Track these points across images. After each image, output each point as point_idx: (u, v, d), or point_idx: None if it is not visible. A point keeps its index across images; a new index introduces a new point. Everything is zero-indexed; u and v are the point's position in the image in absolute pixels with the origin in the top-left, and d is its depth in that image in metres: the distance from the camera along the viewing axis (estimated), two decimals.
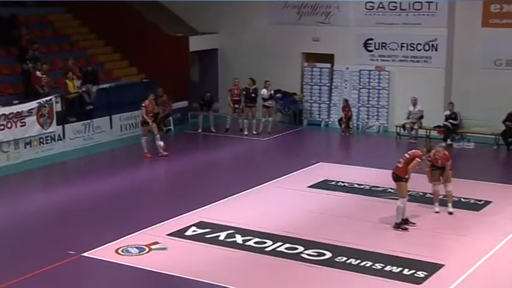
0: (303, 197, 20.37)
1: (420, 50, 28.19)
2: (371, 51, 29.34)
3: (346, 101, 29.09)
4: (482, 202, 19.57)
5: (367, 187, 21.01)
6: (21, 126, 24.39)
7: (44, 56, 27.92)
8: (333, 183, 21.51)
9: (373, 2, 28.85)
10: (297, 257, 15.76)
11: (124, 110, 27.90)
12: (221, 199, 19.88)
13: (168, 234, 17.12)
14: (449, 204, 18.57)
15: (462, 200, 19.53)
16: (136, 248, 16.28)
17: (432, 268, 15.05)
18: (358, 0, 29.11)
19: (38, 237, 17.40)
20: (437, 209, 18.66)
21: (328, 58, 30.34)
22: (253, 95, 28.53)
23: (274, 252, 16.02)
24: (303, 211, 18.98)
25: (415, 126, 27.18)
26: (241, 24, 31.90)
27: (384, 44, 28.95)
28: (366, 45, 29.37)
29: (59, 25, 31.55)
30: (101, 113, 27.40)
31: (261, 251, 16.13)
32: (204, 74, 32.98)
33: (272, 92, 28.87)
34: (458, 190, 19.19)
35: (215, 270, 15.10)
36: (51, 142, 25.56)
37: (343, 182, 21.49)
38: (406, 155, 17.70)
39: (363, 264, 15.32)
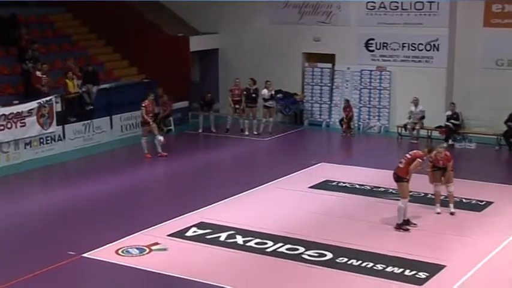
0: (304, 197, 20.32)
1: (421, 50, 28.15)
2: (372, 51, 29.29)
3: (347, 101, 29.04)
4: (484, 203, 19.53)
5: (368, 188, 20.97)
6: (21, 126, 24.35)
7: (44, 56, 27.87)
8: (334, 183, 21.47)
9: (374, 2, 28.83)
10: (298, 257, 15.72)
11: (124, 110, 27.85)
12: (222, 200, 19.85)
13: (169, 235, 17.09)
14: (451, 205, 18.55)
15: (464, 200, 19.49)
16: (137, 248, 16.24)
17: (434, 269, 15.02)
18: (360, 0, 29.07)
19: (38, 237, 17.37)
20: (438, 210, 18.62)
21: (329, 58, 30.29)
22: (254, 95, 28.48)
23: (275, 253, 15.98)
24: (303, 212, 18.94)
25: (417, 127, 27.11)
26: (242, 24, 31.86)
27: (385, 44, 28.91)
28: (367, 45, 29.32)
29: (59, 25, 31.52)
30: (101, 113, 27.36)
31: (262, 251, 16.10)
32: (205, 74, 32.94)
33: (273, 92, 28.83)
34: (459, 190, 19.15)
35: (216, 271, 15.07)
36: (51, 142, 25.51)
37: (344, 183, 21.45)
38: (407, 155, 17.68)
39: (364, 265, 15.28)
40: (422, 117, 27.22)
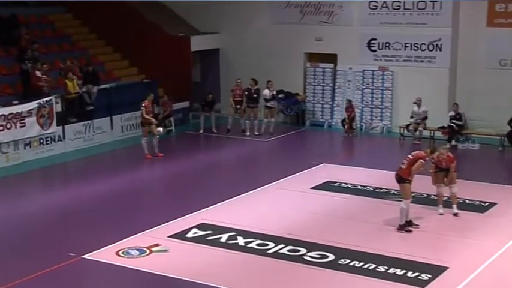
0: (306, 198, 20.26)
1: (424, 50, 28.08)
2: (374, 51, 29.21)
3: (349, 101, 28.96)
4: (487, 204, 19.46)
5: (371, 188, 20.92)
6: (21, 126, 24.30)
7: (44, 56, 27.85)
8: (336, 184, 21.41)
9: (376, 2, 28.78)
10: (300, 259, 15.68)
11: (125, 111, 27.79)
12: (223, 201, 19.80)
13: (169, 236, 17.05)
14: (454, 206, 18.47)
15: (467, 201, 19.43)
16: (137, 250, 16.21)
17: (436, 271, 14.97)
18: (362, 0, 28.95)
19: (38, 238, 17.34)
20: (441, 211, 18.55)
21: (331, 58, 30.23)
22: (255, 95, 28.40)
23: (277, 255, 15.94)
24: (305, 213, 18.88)
25: (420, 127, 26.99)
26: (243, 23, 31.83)
27: (387, 44, 28.83)
28: (369, 45, 29.24)
29: (59, 25, 31.52)
30: (102, 113, 27.33)
31: (263, 253, 16.04)
32: (206, 74, 32.87)
33: (274, 92, 28.74)
34: (462, 191, 19.08)
35: (217, 273, 15.02)
36: (51, 143, 25.46)
37: (346, 184, 21.40)
38: (409, 156, 17.65)
39: (366, 266, 15.24)
40: (425, 118, 27.10)
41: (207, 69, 32.92)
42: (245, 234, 17.09)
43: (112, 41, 32.11)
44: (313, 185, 21.27)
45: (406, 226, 17.37)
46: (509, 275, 15.17)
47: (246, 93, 28.41)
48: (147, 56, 31.17)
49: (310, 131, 30.03)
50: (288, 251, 16.09)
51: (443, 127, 26.92)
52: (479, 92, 27.22)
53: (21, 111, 24.35)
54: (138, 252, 16.05)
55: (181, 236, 17.08)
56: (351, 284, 14.57)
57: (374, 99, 29.45)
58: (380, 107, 29.31)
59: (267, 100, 28.46)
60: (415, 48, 28.24)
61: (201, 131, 28.84)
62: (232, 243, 16.57)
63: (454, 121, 26.50)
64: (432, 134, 27.23)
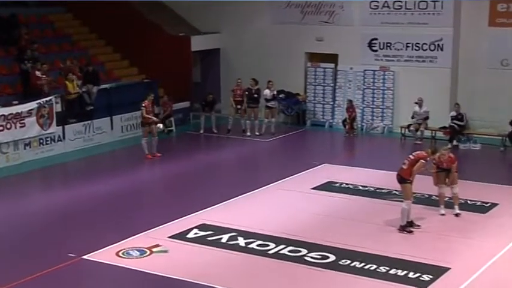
0: (307, 199, 20.22)
1: (426, 49, 28.03)
2: (375, 51, 29.17)
3: (350, 101, 28.93)
4: (489, 204, 19.42)
5: (372, 189, 20.87)
6: (21, 127, 24.27)
7: (44, 56, 27.83)
8: (337, 185, 21.37)
9: (377, 1, 28.73)
10: (301, 260, 15.65)
11: (125, 111, 27.75)
12: (223, 201, 19.76)
13: (170, 237, 17.02)
14: (456, 206, 18.44)
15: (468, 202, 19.38)
16: (137, 250, 16.17)
17: (438, 271, 14.94)
18: (363, 0, 28.88)
19: (38, 239, 17.31)
20: (442, 211, 18.51)
21: (332, 58, 30.20)
22: (255, 95, 28.34)
23: (277, 255, 15.91)
24: (306, 213, 18.83)
25: (421, 127, 26.93)
26: (244, 23, 31.79)
27: (388, 44, 28.79)
28: (370, 45, 29.20)
29: (59, 25, 31.52)
30: (102, 113, 27.30)
31: (264, 253, 16.01)
32: (206, 74, 32.82)
33: (275, 92, 28.70)
34: (464, 192, 19.03)
35: (217, 273, 14.99)
36: (51, 143, 25.43)
37: (347, 184, 21.37)
38: (410, 156, 17.61)
39: (367, 267, 15.20)
40: (427, 118, 27.04)
41: (207, 69, 32.88)
42: (246, 234, 17.05)
43: (112, 41, 32.10)
44: (314, 186, 21.23)
45: (407, 227, 17.32)
46: (511, 275, 15.10)
47: (247, 93, 28.35)
48: (147, 56, 31.14)
49: (311, 131, 29.98)
50: (289, 251, 16.05)
51: (444, 127, 26.86)
52: (481, 92, 27.18)
53: (21, 112, 24.31)
54: (138, 253, 16.01)
55: (181, 236, 17.04)
56: (352, 284, 14.52)
57: (375, 99, 29.41)
58: (381, 107, 29.26)
59: (267, 100, 28.41)
60: (417, 48, 28.19)
61: (202, 131, 28.78)
62: (233, 244, 16.53)
63: (455, 121, 26.43)
64: (433, 134, 27.17)
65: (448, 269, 15.06)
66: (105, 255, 15.88)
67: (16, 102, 24.82)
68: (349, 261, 15.42)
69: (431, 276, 14.65)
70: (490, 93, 26.93)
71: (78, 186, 21.72)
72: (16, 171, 23.40)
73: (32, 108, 24.58)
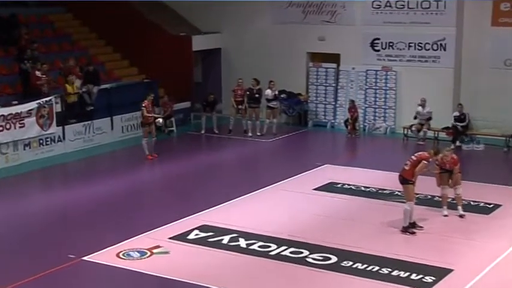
0: (308, 199, 20.17)
1: (428, 49, 27.95)
2: (378, 50, 29.10)
3: (352, 101, 28.86)
4: (492, 205, 19.37)
5: (374, 190, 20.82)
6: (21, 127, 24.22)
7: (44, 55, 27.79)
8: (338, 185, 21.33)
9: (380, 1, 28.68)
10: (302, 261, 15.61)
11: (125, 111, 27.68)
12: (224, 202, 19.73)
13: (170, 238, 16.99)
14: (459, 207, 18.39)
15: (471, 203, 19.31)
16: (138, 251, 16.15)
17: (440, 273, 14.89)
18: None
19: (38, 240, 17.29)
20: (445, 212, 18.45)
21: (334, 58, 30.15)
22: (257, 95, 28.28)
23: (279, 257, 15.87)
24: (308, 214, 18.79)
25: (424, 128, 26.84)
26: (245, 23, 31.75)
27: (391, 44, 28.72)
28: (372, 44, 29.14)
29: (59, 25, 31.50)
30: (102, 114, 27.24)
31: (265, 255, 15.98)
32: (207, 74, 32.77)
33: (276, 92, 28.63)
34: (467, 193, 18.97)
35: (218, 275, 14.97)
36: (51, 143, 25.37)
37: (349, 185, 21.33)
38: (412, 157, 17.55)
39: (369, 268, 15.16)
40: (429, 118, 26.95)
41: (208, 69, 32.82)
42: (247, 235, 17.00)
43: (112, 40, 32.07)
44: (316, 186, 21.17)
45: (410, 228, 17.27)
46: None
47: (248, 93, 28.29)
48: (147, 56, 31.10)
49: (313, 131, 29.94)
50: (290, 252, 16.01)
51: (447, 128, 26.78)
52: (484, 92, 27.10)
53: (21, 112, 24.26)
54: (138, 254, 15.97)
55: (182, 237, 17.00)
56: (354, 286, 14.47)
57: (377, 99, 29.35)
58: (383, 107, 29.20)
59: (269, 100, 28.34)
60: (419, 48, 28.11)
61: (203, 132, 28.72)
62: (234, 245, 16.49)
63: (456, 123, 26.33)
64: (436, 135, 27.10)
65: (451, 270, 15.00)
66: (105, 257, 15.84)
67: (16, 102, 24.76)
68: (351, 263, 15.37)
69: (434, 278, 14.60)
70: (493, 94, 26.85)
71: (78, 187, 21.69)
72: (16, 172, 23.35)
73: (31, 108, 24.52)
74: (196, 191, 21.14)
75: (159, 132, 26.33)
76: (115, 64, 31.37)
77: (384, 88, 29.13)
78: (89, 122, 26.62)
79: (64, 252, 15.96)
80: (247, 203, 19.86)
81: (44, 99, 24.97)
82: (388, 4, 28.49)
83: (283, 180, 21.83)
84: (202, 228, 17.51)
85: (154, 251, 16.14)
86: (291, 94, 30.36)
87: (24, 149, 24.44)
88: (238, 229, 17.41)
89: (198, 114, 29.94)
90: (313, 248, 16.15)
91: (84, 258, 15.74)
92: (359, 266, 15.23)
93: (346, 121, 28.99)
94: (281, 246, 16.29)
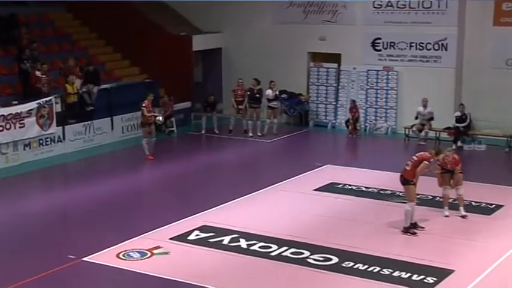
0: (309, 200, 20.13)
1: (430, 49, 27.94)
2: (379, 50, 29.09)
3: (353, 101, 28.82)
4: (494, 206, 19.33)
5: (375, 190, 20.77)
6: (20, 127, 24.17)
7: (44, 55, 27.74)
8: (339, 186, 21.29)
9: (381, 0, 28.69)
10: (303, 262, 15.57)
11: (125, 111, 27.63)
12: (225, 202, 19.68)
13: (171, 239, 16.94)
14: (461, 208, 18.34)
15: (473, 203, 19.27)
16: (138, 252, 16.11)
17: (442, 274, 14.85)
18: None
19: (38, 241, 17.24)
20: (447, 213, 18.41)
21: (335, 58, 30.13)
22: (257, 95, 28.24)
23: (280, 257, 15.83)
24: (308, 215, 18.74)
25: (425, 128, 26.78)
26: (246, 23, 31.74)
27: (392, 44, 28.71)
28: (373, 44, 29.13)
29: (59, 24, 31.47)
30: (102, 114, 27.20)
31: (266, 255, 15.93)
32: (208, 74, 32.74)
33: (277, 92, 28.62)
34: (468, 193, 18.92)
35: (219, 275, 14.94)
36: (50, 144, 25.32)
37: (350, 185, 21.29)
38: (414, 157, 17.51)
39: (370, 269, 15.12)
40: (431, 119, 26.90)
41: (209, 69, 32.79)
42: (247, 236, 16.95)
43: (112, 40, 32.04)
44: (317, 187, 21.13)
45: (411, 228, 17.22)
46: None
47: (248, 93, 28.26)
48: (148, 56, 31.06)
49: (314, 131, 29.92)
50: (291, 253, 15.96)
51: (449, 128, 26.72)
52: (486, 92, 27.08)
53: (21, 112, 24.20)
54: (139, 255, 15.93)
55: (182, 238, 16.95)
56: (354, 287, 14.44)
57: (378, 99, 29.32)
58: (384, 107, 29.17)
59: (269, 100, 28.31)
60: (420, 48, 28.10)
61: (203, 132, 28.69)
62: (235, 246, 16.44)
63: (457, 124, 26.28)
64: (438, 135, 27.05)
65: (452, 271, 14.96)
66: (105, 257, 15.80)
67: (15, 102, 24.71)
68: (352, 263, 15.33)
69: (435, 279, 14.55)
70: (494, 94, 26.81)
71: (78, 187, 21.64)
72: (15, 172, 23.30)
73: (31, 108, 24.47)
74: (197, 192, 21.08)
75: (159, 133, 26.29)
76: (115, 64, 31.32)
77: (385, 88, 29.10)
78: (89, 122, 26.56)
79: (64, 253, 15.91)
80: (248, 204, 19.81)
81: (44, 99, 24.92)
82: (389, 4, 28.49)
83: (283, 180, 21.78)
84: (202, 229, 17.46)
85: (155, 251, 16.09)
86: (292, 94, 30.35)
87: (24, 149, 24.38)
88: (238, 230, 17.35)
89: (199, 114, 29.89)
90: (314, 249, 16.09)
91: (84, 258, 15.68)
92: (360, 266, 15.18)
93: (347, 121, 28.95)
94: (282, 247, 16.23)
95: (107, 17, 31.30)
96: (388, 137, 28.71)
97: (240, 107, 28.34)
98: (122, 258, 15.72)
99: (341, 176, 22.20)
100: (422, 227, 17.39)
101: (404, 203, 17.53)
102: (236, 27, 31.89)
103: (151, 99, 25.27)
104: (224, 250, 16.21)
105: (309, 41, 30.32)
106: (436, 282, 14.39)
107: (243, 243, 16.58)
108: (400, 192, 18.77)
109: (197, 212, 18.67)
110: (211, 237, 16.92)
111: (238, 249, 16.24)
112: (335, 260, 15.54)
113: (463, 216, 18.18)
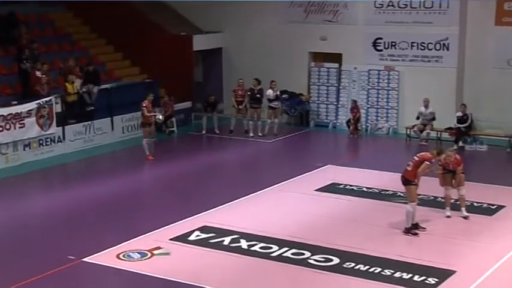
0: (310, 200, 20.10)
1: (431, 49, 27.94)
2: (380, 50, 29.08)
3: (354, 101, 28.78)
4: (495, 206, 19.29)
5: (376, 191, 20.75)
6: (20, 127, 24.13)
7: (44, 55, 27.70)
8: (341, 186, 21.26)
9: (382, 0, 28.68)
10: (304, 262, 15.55)
11: (126, 111, 27.60)
12: (225, 203, 19.65)
13: (171, 239, 16.92)
14: (463, 209, 18.30)
15: (474, 204, 19.24)
16: (138, 253, 16.09)
17: (443, 274, 14.83)
18: None
19: (38, 241, 17.21)
20: (448, 214, 18.37)
21: (336, 57, 30.09)
22: (258, 95, 28.20)
23: (280, 258, 15.80)
24: (309, 215, 18.70)
25: (427, 128, 26.72)
26: (246, 23, 31.70)
27: (393, 43, 28.70)
28: (375, 44, 29.11)
29: (60, 24, 31.42)
30: (102, 114, 27.16)
31: (267, 256, 15.91)
32: (208, 74, 32.73)
33: (278, 92, 28.60)
34: (470, 194, 18.87)
35: (219, 276, 14.95)
36: (50, 144, 25.28)
37: (351, 186, 21.25)
38: (415, 157, 17.48)
39: (371, 270, 15.10)
40: (433, 119, 26.85)
41: (209, 68, 32.77)
42: (248, 237, 16.93)
43: (113, 40, 32.00)
44: (318, 187, 21.09)
45: (413, 229, 17.19)
46: None
47: (249, 93, 28.23)
48: (148, 56, 31.02)
49: (315, 132, 29.88)
50: (292, 254, 15.93)
51: (450, 128, 26.67)
52: (487, 93, 27.04)
53: (21, 112, 24.17)
54: (139, 255, 15.91)
55: (183, 238, 16.93)
56: None
57: (380, 99, 29.28)
58: (386, 107, 29.14)
59: (270, 100, 28.27)
60: (422, 48, 28.08)
61: (204, 132, 28.65)
62: (235, 246, 16.42)
63: (458, 124, 26.23)
64: (439, 135, 27.00)
65: (454, 272, 14.93)
66: (105, 258, 15.78)
67: (15, 102, 24.66)
68: (353, 264, 15.31)
69: (436, 280, 14.54)
70: (496, 94, 26.77)
71: (78, 187, 21.61)
72: (15, 173, 23.27)
73: (31, 108, 24.43)
74: (197, 192, 21.06)
75: (159, 133, 26.25)
76: (115, 64, 31.28)
77: (386, 88, 29.07)
78: (89, 122, 26.53)
79: (64, 253, 15.89)
80: (249, 204, 19.78)
81: (43, 99, 24.88)
82: (390, 4, 28.46)
83: (284, 180, 21.75)
84: (203, 230, 17.43)
85: (155, 252, 16.07)
86: (293, 94, 30.32)
87: (24, 150, 24.35)
88: (239, 230, 17.33)
89: (199, 115, 29.84)
90: (315, 249, 16.07)
91: (85, 259, 15.66)
92: (361, 267, 15.15)
93: (348, 121, 28.90)
94: (283, 248, 16.20)
95: (107, 16, 31.25)
96: (389, 137, 28.65)
97: (241, 107, 28.28)
98: (122, 259, 15.69)
99: (342, 177, 22.16)
100: (424, 228, 17.35)
101: (406, 203, 17.49)
102: (237, 27, 31.85)
103: (152, 99, 25.21)
104: (225, 251, 16.18)
105: (310, 41, 30.28)
106: (438, 283, 14.36)
107: (243, 243, 16.54)
108: (402, 192, 18.70)
109: (198, 213, 18.64)
110: (212, 238, 16.89)
111: (239, 250, 16.21)
112: (336, 260, 15.51)
113: (465, 217, 18.13)
